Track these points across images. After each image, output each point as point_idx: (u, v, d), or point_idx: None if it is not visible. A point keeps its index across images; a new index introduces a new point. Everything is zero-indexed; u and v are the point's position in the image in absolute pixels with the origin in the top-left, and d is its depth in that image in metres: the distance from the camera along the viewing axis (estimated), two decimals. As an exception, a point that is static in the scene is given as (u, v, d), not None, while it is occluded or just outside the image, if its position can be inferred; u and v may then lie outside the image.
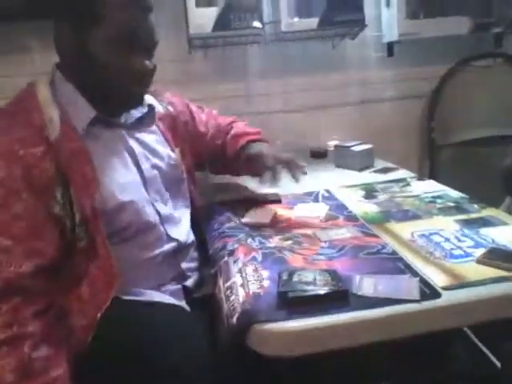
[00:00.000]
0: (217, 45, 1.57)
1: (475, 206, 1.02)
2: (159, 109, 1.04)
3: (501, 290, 0.70)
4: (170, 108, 1.09)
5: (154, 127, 1.02)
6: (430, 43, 1.67)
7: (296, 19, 1.55)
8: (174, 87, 1.27)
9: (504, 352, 0.81)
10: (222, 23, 1.48)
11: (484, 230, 0.89)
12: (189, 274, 0.98)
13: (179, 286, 0.94)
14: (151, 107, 0.99)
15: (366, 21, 1.56)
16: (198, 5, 1.48)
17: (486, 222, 0.93)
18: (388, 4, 1.63)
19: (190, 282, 0.97)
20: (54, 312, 0.77)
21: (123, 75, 0.86)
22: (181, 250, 0.97)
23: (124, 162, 0.91)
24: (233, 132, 1.19)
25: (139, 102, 0.95)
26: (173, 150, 1.03)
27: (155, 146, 0.99)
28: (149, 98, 0.99)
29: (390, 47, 1.70)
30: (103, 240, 0.81)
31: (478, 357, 1.03)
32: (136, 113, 0.97)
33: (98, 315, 0.78)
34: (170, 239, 0.95)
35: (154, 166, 0.96)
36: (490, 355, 0.99)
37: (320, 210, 1.04)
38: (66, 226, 0.79)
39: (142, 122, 0.99)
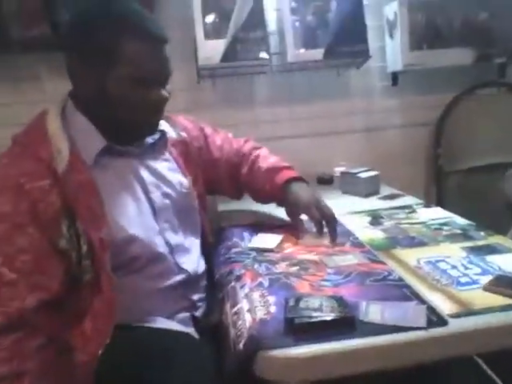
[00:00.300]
0: (225, 75, 1.61)
1: (482, 233, 1.02)
2: (172, 135, 1.04)
3: (509, 318, 0.69)
4: (184, 134, 1.08)
5: (166, 154, 1.01)
6: (434, 73, 1.70)
7: (302, 50, 1.59)
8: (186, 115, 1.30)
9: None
10: (229, 55, 1.53)
11: (491, 257, 0.88)
12: (199, 304, 0.97)
13: (188, 314, 0.93)
14: (163, 133, 0.99)
15: (370, 52, 1.59)
16: (206, 37, 1.53)
17: (492, 250, 0.92)
18: (392, 36, 1.68)
19: (199, 312, 0.96)
20: (56, 347, 0.77)
21: (140, 108, 0.86)
22: (191, 281, 0.96)
23: (133, 192, 0.90)
24: (263, 165, 1.15)
25: (154, 130, 0.95)
26: (185, 177, 1.02)
27: (167, 174, 0.98)
28: (161, 124, 0.98)
29: (395, 77, 1.73)
30: (107, 274, 0.80)
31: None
32: (148, 139, 0.96)
33: (99, 352, 0.77)
34: (181, 270, 0.94)
35: (165, 195, 0.95)
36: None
37: (324, 237, 1.04)
38: (71, 259, 0.78)
39: (154, 149, 0.98)
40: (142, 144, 0.96)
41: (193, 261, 0.98)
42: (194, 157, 1.09)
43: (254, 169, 1.16)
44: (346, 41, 1.58)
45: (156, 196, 0.93)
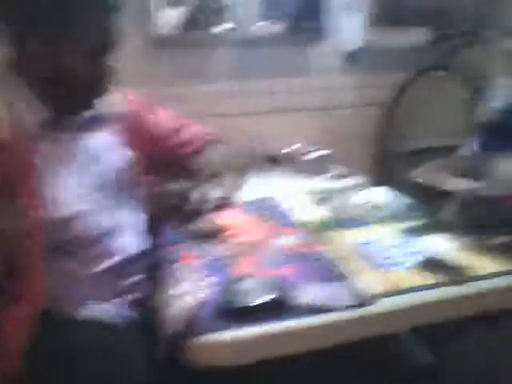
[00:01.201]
0: (184, 45, 1.57)
1: (418, 214, 1.05)
2: (116, 109, 1.00)
3: (433, 297, 0.74)
4: (129, 108, 1.04)
5: (110, 128, 0.98)
6: (390, 52, 1.72)
7: (263, 23, 1.57)
8: (138, 87, 1.25)
9: (442, 349, 0.87)
10: (188, 24, 1.49)
11: (423, 238, 0.92)
12: (138, 286, 0.95)
13: (126, 298, 0.91)
14: (106, 107, 0.96)
15: (328, 29, 1.59)
16: (164, 5, 1.48)
17: (426, 231, 0.96)
18: (350, 13, 1.67)
19: (138, 295, 0.94)
20: None
21: (86, 78, 0.85)
22: (130, 262, 0.93)
23: (75, 166, 0.87)
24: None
25: (98, 100, 0.92)
26: (129, 152, 0.99)
27: (110, 148, 0.95)
28: (106, 98, 0.94)
29: (352, 55, 1.74)
30: (40, 256, 0.78)
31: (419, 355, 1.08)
32: (91, 112, 0.93)
33: (24, 342, 0.76)
34: (119, 251, 0.91)
35: (108, 170, 0.93)
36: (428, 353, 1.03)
37: None
38: (9, 240, 0.76)
39: (96, 123, 0.95)
40: (84, 118, 0.93)
41: (133, 241, 0.96)
42: (138, 133, 1.05)
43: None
44: (306, 17, 1.57)
45: (98, 171, 0.91)
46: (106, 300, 0.88)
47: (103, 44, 0.85)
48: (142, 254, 0.98)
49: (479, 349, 0.80)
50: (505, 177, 1.01)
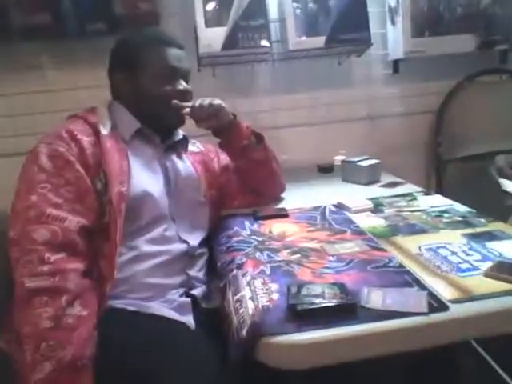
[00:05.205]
0: (225, 63, 1.61)
1: (482, 220, 1.02)
2: (192, 149, 1.21)
3: (509, 304, 0.70)
4: (202, 148, 1.26)
5: (187, 156, 1.17)
6: (435, 60, 1.69)
7: (303, 38, 1.58)
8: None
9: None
10: (230, 42, 1.53)
11: (491, 244, 0.89)
12: (196, 283, 1.00)
13: (187, 300, 0.95)
14: (185, 137, 1.17)
15: (371, 39, 1.59)
16: (207, 25, 1.53)
17: (492, 236, 0.93)
18: (393, 23, 1.66)
19: (197, 292, 0.99)
20: (92, 278, 0.85)
21: (167, 97, 1.06)
22: (191, 255, 1.02)
23: (155, 171, 1.04)
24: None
25: (179, 120, 1.11)
26: (200, 180, 1.14)
27: (185, 171, 1.12)
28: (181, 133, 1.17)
29: (396, 64, 1.73)
30: (117, 225, 0.89)
31: (486, 371, 1.03)
32: (174, 137, 1.14)
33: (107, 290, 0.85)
34: (181, 240, 1.01)
35: (181, 185, 1.08)
36: (498, 369, 0.98)
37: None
38: (102, 201, 0.92)
39: (178, 148, 1.15)
40: (169, 140, 1.13)
41: (195, 238, 1.05)
42: (210, 169, 1.22)
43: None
44: (348, 28, 1.57)
45: (173, 181, 1.07)
46: (167, 290, 0.95)
47: (175, 69, 1.08)
48: (202, 254, 1.07)
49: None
50: None
